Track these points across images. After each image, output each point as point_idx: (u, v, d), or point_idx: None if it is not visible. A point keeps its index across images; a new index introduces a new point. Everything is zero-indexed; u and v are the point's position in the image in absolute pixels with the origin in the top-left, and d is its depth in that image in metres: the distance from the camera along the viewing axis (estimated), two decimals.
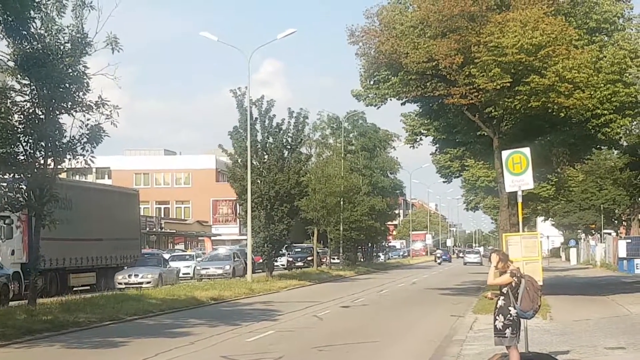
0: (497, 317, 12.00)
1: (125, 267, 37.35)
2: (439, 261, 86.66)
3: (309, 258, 59.16)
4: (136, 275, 35.27)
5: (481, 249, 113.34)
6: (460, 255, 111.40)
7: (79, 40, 21.18)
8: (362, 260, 71.89)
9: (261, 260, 44.42)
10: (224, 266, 44.14)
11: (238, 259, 46.64)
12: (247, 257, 40.17)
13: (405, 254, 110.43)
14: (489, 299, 12.97)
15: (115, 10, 21.56)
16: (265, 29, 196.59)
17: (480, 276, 43.64)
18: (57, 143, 21.27)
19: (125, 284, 34.51)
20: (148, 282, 34.63)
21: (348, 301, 30.02)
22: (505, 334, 11.89)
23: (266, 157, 40.48)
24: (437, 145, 37.63)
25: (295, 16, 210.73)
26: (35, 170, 21.31)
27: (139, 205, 44.62)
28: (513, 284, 11.91)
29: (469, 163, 43.06)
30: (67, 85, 21.08)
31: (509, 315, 11.87)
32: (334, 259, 62.79)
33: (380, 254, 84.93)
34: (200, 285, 33.32)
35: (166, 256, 47.38)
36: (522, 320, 12.22)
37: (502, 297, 11.98)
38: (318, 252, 59.51)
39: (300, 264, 57.77)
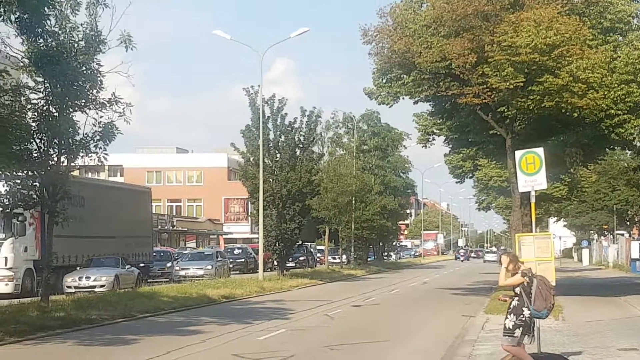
0: (508, 316, 11.97)
1: (77, 268, 32.57)
2: (461, 259, 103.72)
3: (302, 258, 56.94)
4: (88, 278, 30.82)
5: (494, 248, 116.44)
6: (473, 255, 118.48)
7: (93, 38, 21.19)
8: (373, 258, 71.75)
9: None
10: (206, 266, 40.64)
11: (221, 258, 44.10)
12: (259, 255, 40.18)
13: (417, 254, 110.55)
14: (501, 300, 12.93)
15: (128, 8, 21.59)
16: (277, 28, 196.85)
17: (492, 276, 43.51)
18: (70, 140, 21.29)
19: (75, 287, 30.05)
20: (102, 286, 30.36)
21: (359, 300, 30.00)
22: (514, 333, 11.86)
23: (278, 155, 40.51)
24: (450, 145, 37.56)
25: (308, 15, 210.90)
26: (49, 167, 21.34)
27: (151, 203, 44.77)
28: (525, 283, 11.88)
29: (481, 163, 42.97)
30: (81, 82, 21.10)
31: (521, 316, 11.84)
32: (334, 258, 61.14)
33: (392, 254, 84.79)
34: (212, 283, 33.09)
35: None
36: (535, 320, 12.19)
37: (516, 298, 11.96)
38: (312, 252, 58.18)
39: (291, 264, 51.05)
